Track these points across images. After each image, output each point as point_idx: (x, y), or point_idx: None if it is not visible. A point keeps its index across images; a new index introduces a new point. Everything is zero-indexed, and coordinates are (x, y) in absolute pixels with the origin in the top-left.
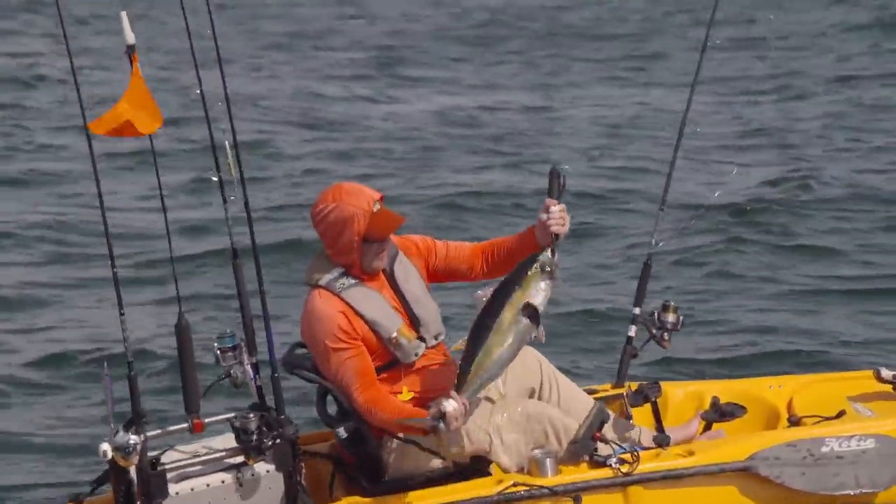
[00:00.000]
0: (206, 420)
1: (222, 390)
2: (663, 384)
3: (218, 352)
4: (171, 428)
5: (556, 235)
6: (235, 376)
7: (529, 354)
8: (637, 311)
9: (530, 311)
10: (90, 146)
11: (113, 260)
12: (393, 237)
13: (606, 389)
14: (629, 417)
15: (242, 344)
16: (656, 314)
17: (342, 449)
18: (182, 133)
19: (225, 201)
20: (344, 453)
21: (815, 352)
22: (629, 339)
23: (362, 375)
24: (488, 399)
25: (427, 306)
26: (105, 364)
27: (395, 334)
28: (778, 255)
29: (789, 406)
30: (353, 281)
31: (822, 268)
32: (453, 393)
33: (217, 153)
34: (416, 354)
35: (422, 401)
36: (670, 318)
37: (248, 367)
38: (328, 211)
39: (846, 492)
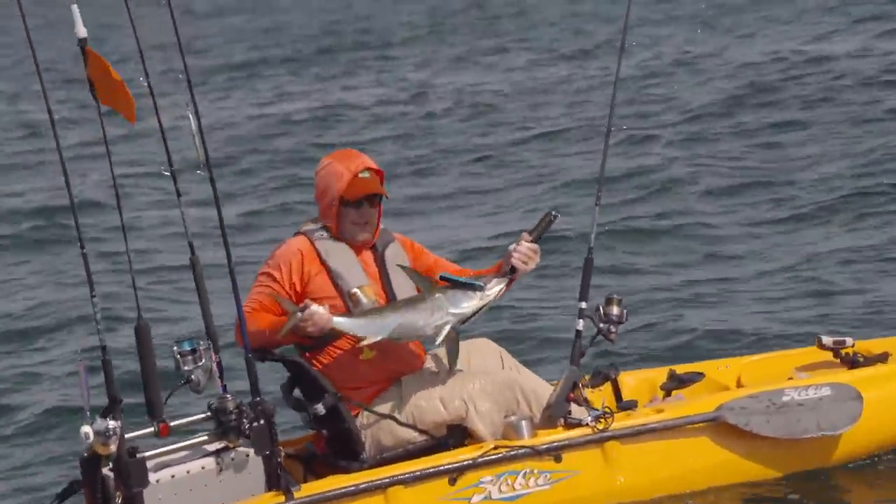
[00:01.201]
0: (173, 423)
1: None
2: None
3: (178, 356)
4: (137, 432)
5: (514, 269)
6: (196, 381)
7: (489, 346)
8: (583, 305)
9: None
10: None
11: (82, 242)
12: (395, 234)
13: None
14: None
15: (201, 347)
16: (600, 308)
17: (316, 438)
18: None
19: (179, 195)
20: (318, 442)
21: (759, 333)
22: (578, 333)
23: (259, 300)
24: (458, 370)
25: (409, 292)
26: (79, 350)
27: (355, 290)
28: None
29: (738, 383)
30: (331, 237)
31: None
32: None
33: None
34: None
35: (384, 363)
36: (615, 310)
37: (214, 366)
38: (323, 167)
39: (810, 435)
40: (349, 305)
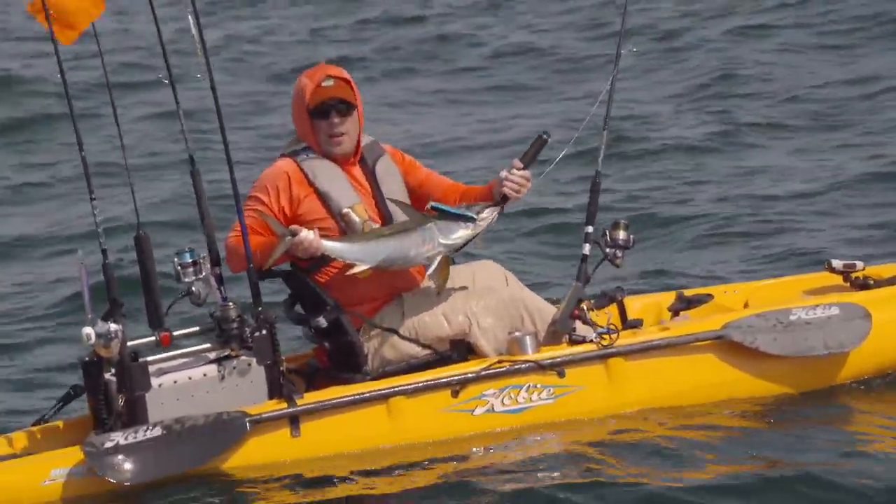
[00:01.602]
0: (174, 333)
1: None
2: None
3: (178, 268)
4: (139, 341)
5: (504, 197)
6: (197, 293)
7: (494, 267)
8: (589, 229)
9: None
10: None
11: (80, 144)
12: (385, 145)
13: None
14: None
15: (202, 259)
16: (607, 232)
17: (318, 352)
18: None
19: (178, 103)
20: (320, 357)
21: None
22: (584, 257)
23: (248, 224)
24: (462, 287)
25: (401, 210)
26: (79, 251)
27: (346, 210)
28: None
29: (746, 307)
30: (317, 156)
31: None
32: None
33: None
34: None
35: (383, 279)
36: (621, 235)
37: (212, 278)
38: (296, 82)
39: (817, 353)
40: (341, 226)
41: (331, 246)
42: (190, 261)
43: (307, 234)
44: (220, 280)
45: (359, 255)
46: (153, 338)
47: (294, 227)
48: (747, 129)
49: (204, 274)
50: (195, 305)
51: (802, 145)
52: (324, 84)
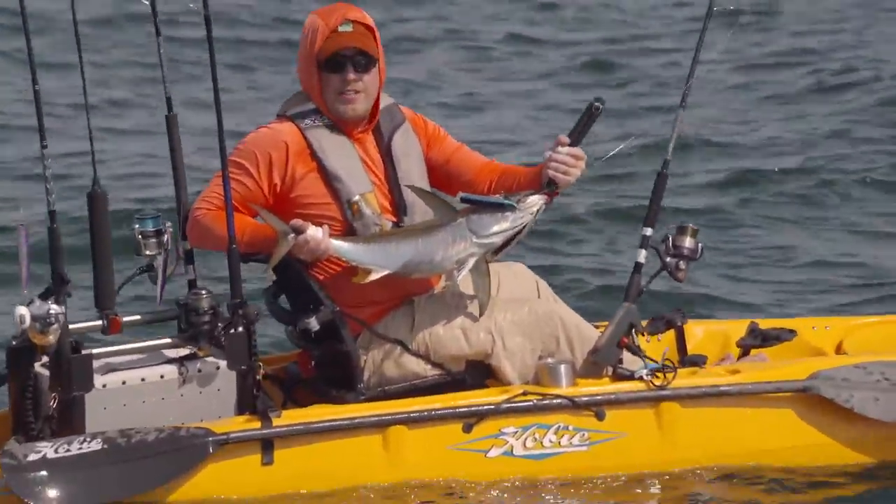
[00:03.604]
0: (126, 319)
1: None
2: None
3: (139, 237)
4: (82, 324)
5: (551, 182)
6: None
7: (524, 270)
8: (648, 232)
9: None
10: None
11: (35, 76)
12: (405, 110)
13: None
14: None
15: (168, 228)
16: (670, 238)
17: (301, 357)
18: None
19: (159, 34)
20: (303, 363)
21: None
22: (637, 266)
23: (219, 197)
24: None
25: (419, 200)
26: (20, 209)
27: (356, 198)
28: None
29: (838, 349)
30: (326, 122)
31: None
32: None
33: None
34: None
35: (392, 279)
36: (687, 243)
37: (179, 251)
38: (305, 22)
39: None
40: (348, 216)
41: (343, 247)
42: (152, 229)
43: (314, 233)
44: (190, 257)
45: (376, 259)
46: (100, 322)
47: (298, 222)
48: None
49: (170, 247)
50: (155, 284)
51: None
52: (340, 29)
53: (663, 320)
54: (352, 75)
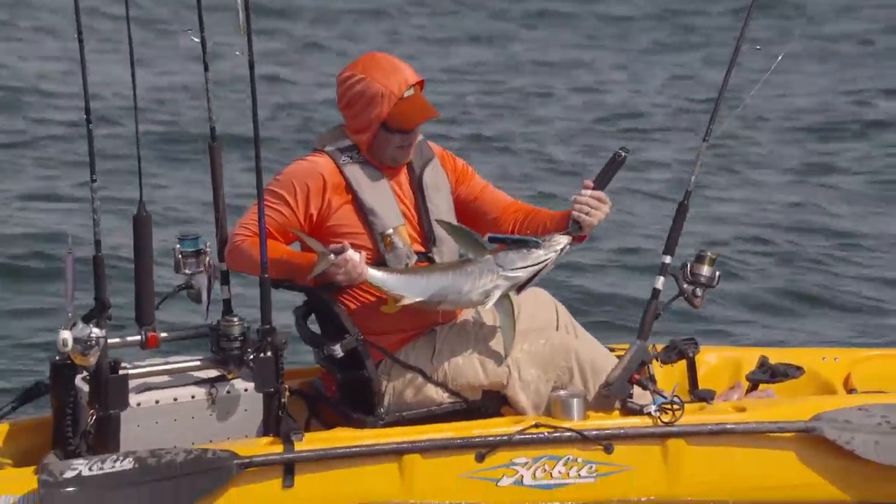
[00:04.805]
0: (163, 335)
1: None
2: None
3: (179, 256)
4: (121, 339)
5: (576, 224)
6: (198, 289)
7: (543, 297)
8: (667, 259)
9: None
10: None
11: (89, 115)
12: (434, 146)
13: (627, 349)
14: (653, 381)
15: (208, 249)
16: (688, 266)
17: (325, 376)
18: None
19: (206, 69)
20: (327, 383)
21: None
22: (655, 292)
23: (258, 224)
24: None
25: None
26: (69, 239)
27: (390, 231)
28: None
29: (846, 382)
30: (361, 159)
31: None
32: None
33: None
34: (409, 264)
35: (411, 311)
36: (705, 271)
37: (209, 275)
38: (354, 82)
39: None
40: (381, 249)
41: (377, 275)
42: (192, 250)
43: (353, 256)
44: (226, 278)
45: (408, 289)
46: (139, 337)
47: (338, 245)
48: None
49: (207, 268)
50: (194, 302)
51: None
52: (407, 95)
53: (676, 350)
54: (415, 133)
